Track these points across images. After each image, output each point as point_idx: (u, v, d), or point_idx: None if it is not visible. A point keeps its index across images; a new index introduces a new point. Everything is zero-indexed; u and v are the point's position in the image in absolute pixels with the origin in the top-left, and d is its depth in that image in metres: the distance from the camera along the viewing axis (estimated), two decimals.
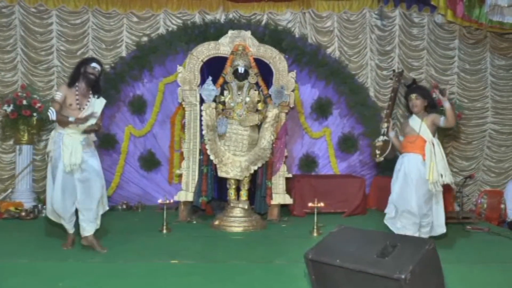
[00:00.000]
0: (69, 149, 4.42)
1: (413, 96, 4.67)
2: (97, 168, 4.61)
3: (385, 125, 4.83)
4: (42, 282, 3.75)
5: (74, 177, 4.49)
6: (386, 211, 4.77)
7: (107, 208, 4.79)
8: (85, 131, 4.54)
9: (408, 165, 4.60)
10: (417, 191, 4.53)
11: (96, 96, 4.65)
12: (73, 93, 4.53)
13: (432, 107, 4.73)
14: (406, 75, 4.91)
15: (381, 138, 4.80)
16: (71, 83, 4.57)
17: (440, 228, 4.74)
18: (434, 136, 4.61)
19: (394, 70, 5.25)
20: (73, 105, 4.50)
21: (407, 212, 4.54)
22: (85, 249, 4.57)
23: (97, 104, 4.63)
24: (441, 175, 4.46)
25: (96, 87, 4.65)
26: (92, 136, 4.71)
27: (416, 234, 4.56)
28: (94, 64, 4.61)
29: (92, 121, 4.53)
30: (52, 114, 4.39)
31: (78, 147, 4.45)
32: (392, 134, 4.82)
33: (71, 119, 4.42)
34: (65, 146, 4.42)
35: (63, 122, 4.45)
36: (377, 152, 4.75)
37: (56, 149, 4.49)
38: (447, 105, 4.48)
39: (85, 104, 4.57)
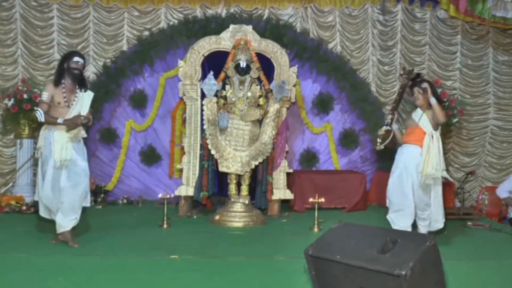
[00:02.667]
0: (60, 144, 4.37)
1: (416, 89, 4.80)
2: (85, 168, 4.56)
3: (390, 116, 4.98)
4: (42, 277, 3.75)
5: (62, 174, 4.42)
6: (388, 204, 4.86)
7: (89, 205, 4.71)
8: (76, 127, 4.43)
9: (407, 156, 4.72)
10: (414, 182, 4.64)
11: (83, 90, 4.56)
12: (60, 91, 4.47)
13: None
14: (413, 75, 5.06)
15: (384, 128, 4.94)
16: (57, 81, 4.49)
17: (438, 223, 4.82)
18: (436, 130, 4.68)
19: (404, 68, 5.37)
20: (61, 103, 4.45)
21: (400, 204, 4.66)
22: (85, 244, 4.57)
23: (85, 98, 4.54)
24: (435, 169, 4.54)
25: (82, 81, 4.57)
26: (83, 133, 4.63)
27: (409, 228, 4.64)
28: (76, 58, 4.52)
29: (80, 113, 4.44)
30: (40, 116, 4.36)
31: (68, 142, 4.41)
32: (395, 126, 4.94)
33: (59, 121, 4.37)
34: (56, 142, 4.38)
35: (52, 124, 4.40)
36: (378, 140, 4.92)
37: (46, 146, 4.44)
38: (432, 101, 4.60)
39: (73, 100, 4.50)
